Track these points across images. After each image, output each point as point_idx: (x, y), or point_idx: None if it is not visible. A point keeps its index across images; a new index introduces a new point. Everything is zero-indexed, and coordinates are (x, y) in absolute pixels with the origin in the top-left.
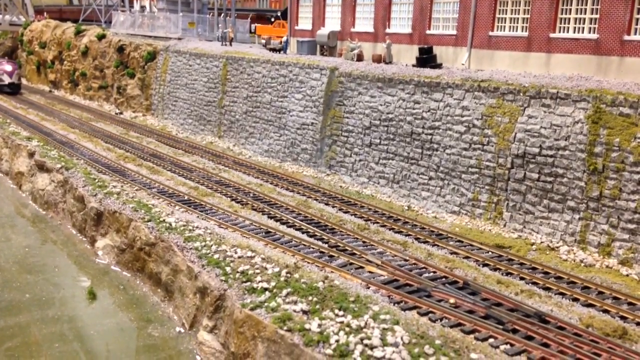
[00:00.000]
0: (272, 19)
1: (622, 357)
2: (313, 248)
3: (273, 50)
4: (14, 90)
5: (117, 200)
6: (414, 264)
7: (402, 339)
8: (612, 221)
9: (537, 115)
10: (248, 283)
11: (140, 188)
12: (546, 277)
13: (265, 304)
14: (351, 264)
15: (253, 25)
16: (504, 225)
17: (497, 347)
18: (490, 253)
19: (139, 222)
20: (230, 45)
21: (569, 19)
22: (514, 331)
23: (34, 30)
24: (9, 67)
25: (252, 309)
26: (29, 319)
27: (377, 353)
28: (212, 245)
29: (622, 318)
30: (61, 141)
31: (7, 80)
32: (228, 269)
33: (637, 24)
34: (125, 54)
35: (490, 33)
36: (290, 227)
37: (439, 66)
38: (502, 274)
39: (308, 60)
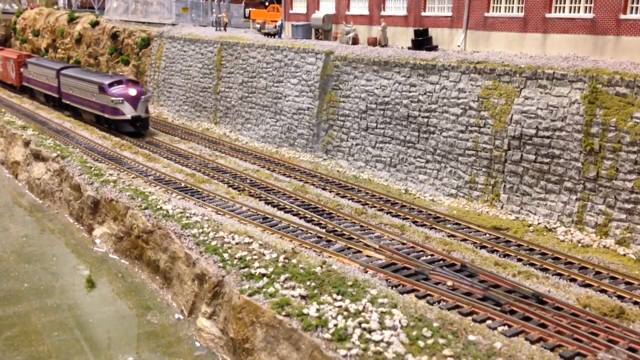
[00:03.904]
0: (267, 3)
1: (620, 336)
2: (311, 233)
3: (268, 34)
4: (139, 128)
5: (113, 189)
6: (412, 247)
7: (400, 322)
8: (609, 201)
9: (534, 97)
10: (246, 269)
11: (136, 176)
12: (543, 258)
13: (264, 289)
14: (349, 248)
15: (247, 10)
16: (501, 207)
17: (495, 328)
18: (487, 235)
19: (136, 210)
20: (225, 30)
21: None
22: (512, 312)
23: (27, 18)
24: (132, 92)
25: (250, 295)
26: (28, 308)
27: (376, 337)
28: (209, 232)
29: (620, 298)
30: (56, 130)
31: (129, 112)
32: (226, 255)
33: (633, 3)
34: (120, 41)
35: (486, 14)
36: (287, 212)
37: (435, 48)
38: (500, 255)
39: (303, 44)
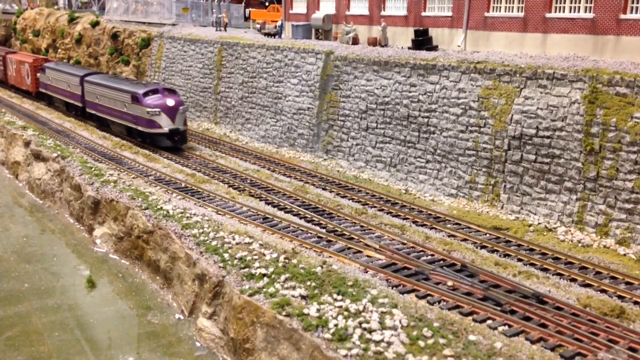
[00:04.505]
0: (267, 3)
1: (620, 336)
2: (311, 233)
3: (268, 34)
4: (177, 142)
5: (114, 189)
6: (412, 247)
7: (400, 322)
8: (609, 201)
9: (534, 96)
10: (246, 269)
11: (137, 176)
12: (544, 258)
13: (264, 289)
14: (349, 248)
15: (247, 10)
16: (502, 207)
17: (495, 328)
18: (487, 235)
19: (136, 210)
20: (225, 30)
21: None
22: (512, 312)
23: (27, 19)
24: (170, 102)
25: (250, 295)
26: (29, 308)
27: (376, 337)
28: (210, 232)
29: (620, 297)
30: (57, 130)
31: (166, 125)
32: (226, 255)
33: (633, 2)
34: (120, 41)
35: (486, 14)
36: (287, 212)
37: (435, 48)
38: (500, 255)
39: (303, 44)
